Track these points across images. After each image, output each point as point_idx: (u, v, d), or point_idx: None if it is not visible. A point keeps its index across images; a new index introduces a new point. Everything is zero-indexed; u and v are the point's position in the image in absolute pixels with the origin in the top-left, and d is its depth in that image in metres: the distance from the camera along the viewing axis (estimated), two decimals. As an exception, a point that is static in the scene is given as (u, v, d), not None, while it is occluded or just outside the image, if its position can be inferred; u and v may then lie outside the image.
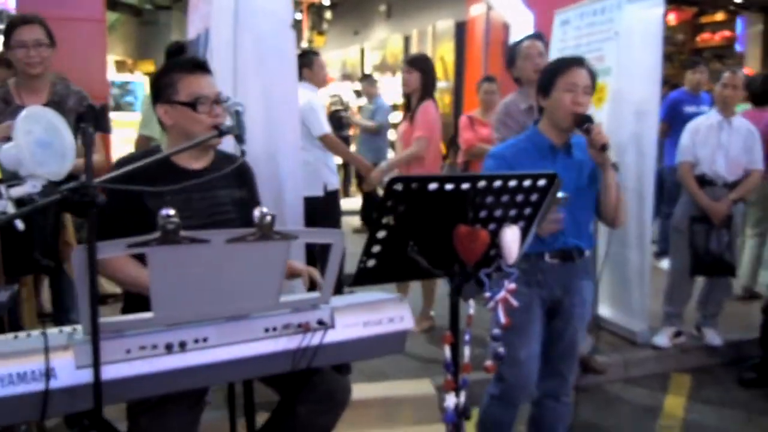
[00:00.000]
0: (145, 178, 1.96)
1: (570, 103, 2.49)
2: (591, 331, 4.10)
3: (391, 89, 11.41)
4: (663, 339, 4.30)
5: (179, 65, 2.17)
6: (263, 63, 3.42)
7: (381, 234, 1.71)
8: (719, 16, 12.29)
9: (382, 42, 14.14)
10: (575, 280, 2.66)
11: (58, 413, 1.54)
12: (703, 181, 4.25)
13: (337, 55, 15.75)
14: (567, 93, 2.50)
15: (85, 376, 1.50)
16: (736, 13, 11.74)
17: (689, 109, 5.93)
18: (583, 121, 2.46)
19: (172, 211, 1.46)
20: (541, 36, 3.72)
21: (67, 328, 1.61)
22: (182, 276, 1.53)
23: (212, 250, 1.52)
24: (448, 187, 1.70)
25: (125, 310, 2.17)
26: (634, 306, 4.36)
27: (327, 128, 4.26)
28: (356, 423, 2.75)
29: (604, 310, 4.56)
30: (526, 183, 1.81)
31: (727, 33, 12.24)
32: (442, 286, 5.20)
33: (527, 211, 1.89)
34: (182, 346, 1.60)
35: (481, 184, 1.74)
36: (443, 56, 11.53)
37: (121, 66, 13.48)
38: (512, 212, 1.86)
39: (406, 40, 13.00)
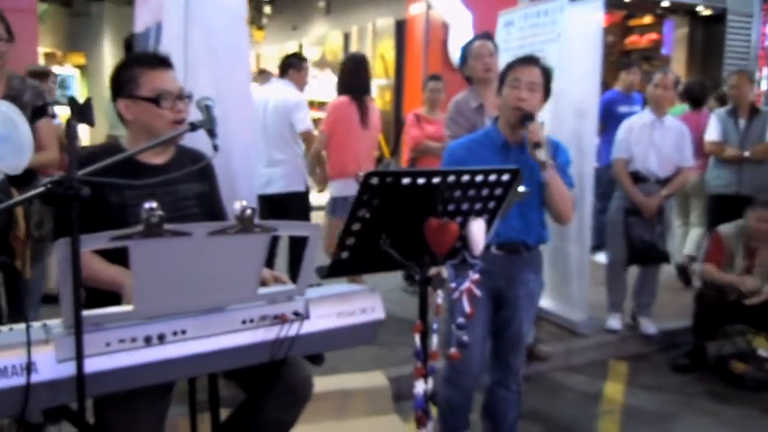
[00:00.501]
0: (108, 173, 1.96)
1: (512, 98, 2.60)
2: (534, 322, 4.28)
3: (332, 85, 11.43)
4: (615, 322, 4.54)
5: (141, 60, 2.17)
6: (215, 58, 3.40)
7: (355, 226, 1.77)
8: (647, 20, 12.82)
9: (321, 38, 14.12)
10: (521, 273, 2.78)
11: (39, 407, 1.53)
12: (637, 178, 4.47)
13: (275, 50, 15.61)
14: (511, 89, 2.62)
15: (66, 369, 1.50)
16: (663, 16, 12.26)
17: (622, 108, 6.20)
18: (524, 119, 2.57)
19: (155, 204, 1.48)
20: (490, 36, 3.84)
21: (49, 322, 1.60)
22: (164, 269, 1.54)
23: (194, 243, 1.54)
24: (420, 181, 1.77)
25: (86, 307, 2.15)
26: (574, 297, 4.55)
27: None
28: (311, 416, 2.78)
29: (546, 302, 4.72)
30: (492, 178, 1.90)
31: (654, 36, 12.78)
32: (391, 281, 5.28)
33: (491, 204, 1.98)
34: (161, 338, 1.62)
35: (451, 178, 1.81)
36: (383, 54, 11.62)
37: (50, 58, 13.01)
38: (477, 206, 1.95)
39: (346, 37, 13.02)
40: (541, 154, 2.55)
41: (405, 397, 3.64)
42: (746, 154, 4.87)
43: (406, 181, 1.74)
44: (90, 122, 1.50)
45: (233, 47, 3.43)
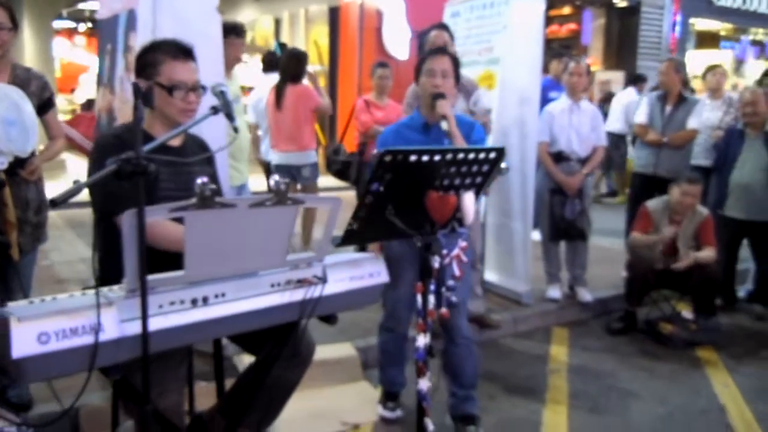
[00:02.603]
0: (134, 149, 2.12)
1: (430, 85, 2.96)
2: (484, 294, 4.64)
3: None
4: (555, 292, 4.96)
5: (166, 47, 2.28)
6: (188, 48, 3.52)
7: (368, 199, 2.00)
8: (566, 10, 13.47)
9: (251, 23, 14.06)
10: (451, 244, 3.07)
11: (104, 364, 1.69)
12: (560, 158, 4.88)
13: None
14: (428, 77, 2.98)
15: (128, 329, 1.67)
16: (582, 7, 12.92)
17: (554, 95, 6.60)
18: (436, 96, 2.94)
19: (206, 179, 1.67)
20: (446, 26, 4.10)
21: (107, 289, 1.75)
22: (211, 237, 1.73)
23: (237, 214, 1.74)
24: (425, 158, 2.02)
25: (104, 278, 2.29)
26: (518, 271, 4.92)
27: None
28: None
29: (493, 276, 5.09)
30: (482, 155, 2.17)
31: (573, 26, 13.43)
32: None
33: (479, 179, 2.26)
34: (205, 300, 1.81)
35: (448, 156, 2.07)
36: (317, 40, 11.76)
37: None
38: (468, 180, 2.22)
39: (277, 23, 13.05)
40: (445, 125, 2.87)
41: (372, 366, 3.90)
42: (665, 139, 5.32)
43: (413, 158, 1.98)
44: (151, 105, 1.66)
45: (206, 36, 3.55)
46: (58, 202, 1.46)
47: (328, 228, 2.00)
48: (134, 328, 1.67)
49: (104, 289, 1.72)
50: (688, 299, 4.72)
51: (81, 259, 5.79)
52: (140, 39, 3.44)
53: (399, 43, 10.26)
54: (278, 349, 2.29)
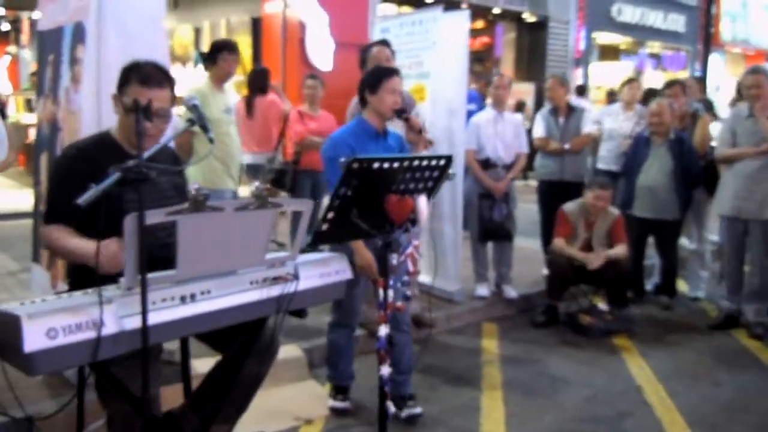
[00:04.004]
0: (104, 162, 2.25)
1: (392, 103, 3.25)
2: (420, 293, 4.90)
3: (180, 80, 11.43)
4: (483, 290, 5.29)
5: (138, 71, 2.38)
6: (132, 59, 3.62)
7: (336, 203, 2.22)
8: (480, 24, 14.05)
9: (169, 32, 13.92)
10: (405, 243, 3.34)
11: (104, 357, 1.82)
12: (487, 164, 5.24)
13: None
14: (390, 94, 3.25)
15: (126, 323, 1.82)
16: (494, 22, 13.53)
17: (470, 107, 7.01)
18: (401, 113, 3.27)
19: (195, 185, 1.84)
20: (388, 42, 4.34)
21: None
22: (201, 238, 1.90)
23: (224, 217, 1.92)
24: (386, 165, 2.25)
25: (73, 286, 2.39)
26: (450, 271, 5.22)
27: None
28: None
29: (426, 277, 5.36)
30: (433, 162, 2.42)
31: (486, 39, 14.03)
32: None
33: (430, 184, 2.51)
34: (192, 297, 1.97)
35: (406, 163, 2.32)
36: (208, 51, 11.79)
37: None
38: (420, 185, 2.47)
39: (197, 32, 12.99)
40: (428, 136, 3.27)
41: (318, 365, 4.10)
42: (566, 146, 5.71)
43: (376, 165, 2.21)
44: (150, 119, 1.82)
45: (151, 48, 3.64)
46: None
47: (301, 228, 2.19)
48: (132, 323, 1.82)
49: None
50: (603, 292, 5.15)
51: (8, 272, 5.67)
52: (89, 52, 3.52)
53: (323, 55, 10.47)
54: (250, 345, 2.46)
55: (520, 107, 10.61)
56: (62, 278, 3.74)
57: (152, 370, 2.25)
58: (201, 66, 11.45)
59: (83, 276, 2.20)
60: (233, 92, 5.26)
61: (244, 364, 2.49)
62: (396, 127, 3.50)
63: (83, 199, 1.60)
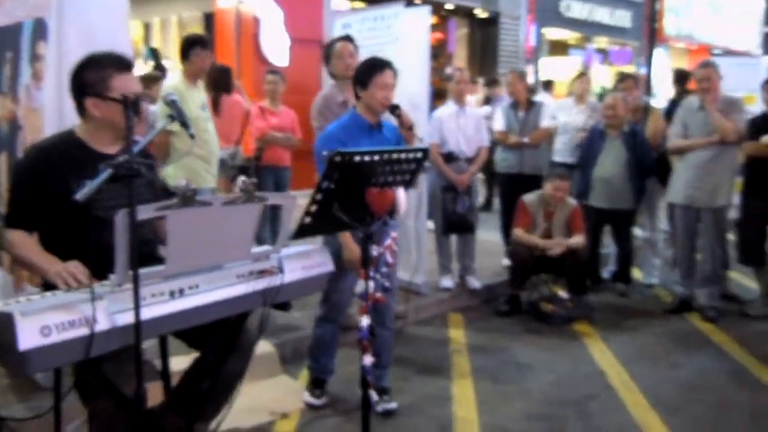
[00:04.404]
0: (70, 162, 2.25)
1: (382, 98, 3.27)
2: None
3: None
4: (448, 282, 5.37)
5: (111, 61, 2.37)
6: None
7: (319, 197, 2.25)
8: (433, 20, 14.15)
9: (117, 28, 13.61)
10: (383, 234, 3.40)
11: (97, 353, 1.82)
12: (450, 158, 5.34)
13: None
14: (381, 90, 3.26)
15: (118, 320, 1.82)
16: (447, 17, 13.66)
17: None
18: (394, 109, 3.28)
19: (184, 181, 1.85)
20: (351, 38, 4.37)
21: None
22: (190, 233, 1.91)
23: (212, 212, 1.93)
24: (366, 158, 2.30)
25: (45, 287, 2.37)
26: (415, 264, 5.29)
27: None
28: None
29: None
30: (411, 155, 2.48)
31: (439, 35, 14.15)
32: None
33: (407, 177, 2.56)
34: (181, 292, 1.98)
35: (385, 156, 2.37)
36: (180, 47, 11.63)
37: None
38: (398, 178, 2.52)
39: (147, 28, 12.75)
40: (419, 131, 3.29)
41: (289, 361, 4.14)
42: (525, 140, 5.86)
43: (357, 158, 2.26)
44: (139, 115, 1.82)
45: (114, 46, 3.57)
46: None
47: (285, 222, 2.22)
48: (123, 319, 1.83)
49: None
50: (563, 281, 5.30)
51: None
52: (50, 48, 3.46)
53: (278, 51, 10.41)
54: (232, 342, 2.47)
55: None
56: (27, 280, 3.68)
57: (133, 366, 2.26)
58: (151, 62, 11.30)
59: None
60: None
61: (226, 361, 2.50)
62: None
63: (81, 195, 1.60)
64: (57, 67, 3.50)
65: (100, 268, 2.08)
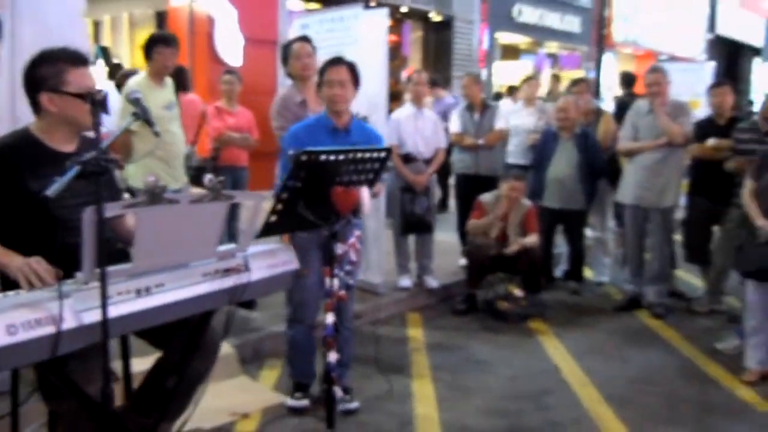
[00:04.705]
0: (26, 161, 2.22)
1: (329, 95, 3.26)
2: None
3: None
4: (406, 281, 5.43)
5: (66, 56, 2.34)
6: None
7: (285, 195, 2.27)
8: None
9: (65, 25, 13.29)
10: (348, 233, 3.43)
11: (64, 352, 1.80)
12: (408, 159, 5.40)
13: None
14: (327, 88, 3.28)
15: (84, 318, 1.81)
16: (402, 20, 13.75)
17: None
18: None
19: (153, 178, 1.85)
20: (308, 38, 4.38)
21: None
22: (157, 231, 1.91)
23: (180, 210, 1.93)
24: (332, 158, 2.33)
25: (4, 286, 2.33)
26: (373, 264, 5.34)
27: None
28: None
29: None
30: (375, 155, 2.52)
31: (394, 37, 14.23)
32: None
33: (371, 176, 2.60)
34: (147, 290, 1.97)
35: (350, 155, 2.40)
36: (143, 45, 11.43)
37: None
38: (362, 177, 2.56)
39: (97, 26, 12.48)
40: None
41: (249, 361, 4.13)
42: (480, 141, 5.96)
43: (323, 157, 2.28)
44: (107, 113, 1.80)
45: (70, 43, 3.51)
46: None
47: (252, 221, 2.23)
48: (90, 317, 1.81)
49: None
50: (518, 280, 5.41)
51: None
52: (4, 46, 3.39)
53: (232, 50, 10.32)
54: (196, 342, 2.46)
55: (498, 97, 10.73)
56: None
57: (95, 366, 2.23)
58: (101, 61, 11.07)
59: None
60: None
61: (191, 360, 2.49)
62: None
63: (51, 191, 1.58)
64: (10, 65, 3.43)
65: (62, 267, 2.07)
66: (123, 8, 11.73)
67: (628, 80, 8.22)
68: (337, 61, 3.31)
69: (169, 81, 4.65)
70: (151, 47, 4.43)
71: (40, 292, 1.82)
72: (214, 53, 10.26)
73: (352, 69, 3.31)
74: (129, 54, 12.02)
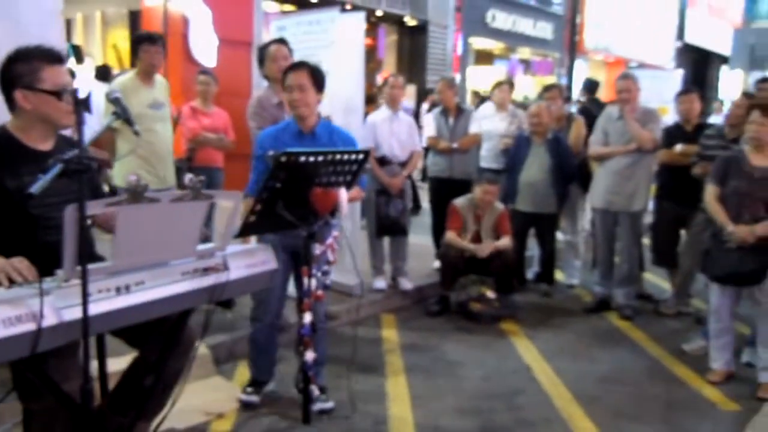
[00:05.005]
0: (3, 159, 2.23)
1: (289, 101, 3.28)
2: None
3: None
4: (380, 283, 5.48)
5: (41, 54, 2.35)
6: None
7: (264, 195, 2.30)
8: (363, 26, 14.30)
9: (36, 23, 13.13)
10: (326, 234, 3.46)
11: (44, 348, 1.81)
12: (383, 162, 5.45)
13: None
14: (287, 93, 3.29)
15: (65, 315, 1.82)
16: (377, 24, 13.83)
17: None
18: None
19: (134, 177, 1.87)
20: (285, 41, 4.41)
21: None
22: (138, 229, 1.93)
23: (161, 208, 1.95)
24: (311, 159, 2.37)
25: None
26: (348, 266, 5.36)
27: None
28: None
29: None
30: (353, 156, 2.56)
31: (369, 41, 14.30)
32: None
33: (348, 177, 2.64)
34: (127, 288, 1.99)
35: (329, 157, 2.44)
36: (116, 44, 11.36)
37: None
38: (341, 178, 2.60)
39: (69, 23, 12.34)
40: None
41: (223, 361, 4.14)
42: (455, 145, 6.02)
43: (302, 159, 2.32)
44: (89, 110, 1.82)
45: (46, 41, 3.49)
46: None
47: (231, 221, 2.26)
48: (70, 314, 1.83)
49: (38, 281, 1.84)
50: (491, 282, 5.50)
51: None
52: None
53: (206, 50, 10.27)
54: (173, 342, 2.48)
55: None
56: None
57: (72, 364, 2.25)
58: (73, 60, 10.95)
59: None
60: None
61: (168, 359, 2.50)
62: None
63: (36, 188, 1.60)
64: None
65: (40, 265, 2.07)
66: (96, 7, 11.64)
67: (590, 87, 8.37)
68: (297, 66, 3.31)
69: (160, 80, 4.66)
70: (137, 46, 4.46)
71: (20, 288, 1.83)
72: (188, 53, 10.20)
73: (314, 73, 3.28)
74: (101, 53, 11.93)
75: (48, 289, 1.81)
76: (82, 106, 1.82)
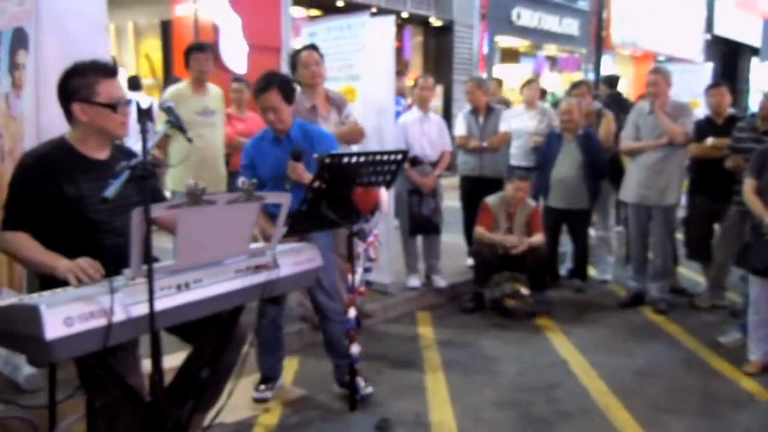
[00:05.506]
0: (63, 167, 2.37)
1: (266, 120, 3.36)
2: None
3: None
4: (414, 281, 5.57)
5: (95, 68, 2.49)
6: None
7: (310, 196, 2.41)
8: (389, 28, 14.38)
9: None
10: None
11: (114, 342, 1.94)
12: (415, 162, 5.54)
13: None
14: (263, 113, 3.36)
15: (132, 311, 1.95)
16: (402, 26, 13.91)
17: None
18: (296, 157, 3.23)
19: (192, 181, 1.99)
20: (316, 47, 4.52)
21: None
22: (197, 230, 2.05)
23: (217, 210, 2.08)
24: (353, 160, 2.47)
25: (43, 287, 2.46)
26: (384, 265, 5.47)
27: None
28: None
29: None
30: (393, 157, 2.66)
31: (396, 43, 14.38)
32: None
33: (388, 177, 2.75)
34: (187, 285, 2.12)
35: (370, 158, 2.54)
36: (148, 53, 11.60)
37: None
38: (380, 178, 2.70)
39: (102, 35, 12.63)
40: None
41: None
42: (485, 144, 6.09)
43: (345, 160, 2.43)
44: (152, 120, 1.95)
45: (93, 53, 3.64)
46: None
47: (280, 220, 2.37)
48: (138, 310, 1.96)
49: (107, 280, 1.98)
50: (524, 278, 5.55)
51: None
52: (29, 56, 3.54)
53: (236, 57, 10.47)
54: (227, 336, 2.60)
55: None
56: (6, 285, 3.72)
57: (132, 359, 2.39)
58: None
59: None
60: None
61: (222, 353, 2.63)
62: None
63: (109, 192, 1.73)
64: (34, 75, 3.58)
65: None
66: (128, 17, 11.88)
67: (611, 82, 8.38)
68: (266, 87, 3.32)
69: (214, 89, 4.86)
70: (188, 56, 4.70)
71: (90, 287, 1.96)
72: (219, 61, 10.43)
73: (282, 88, 3.32)
74: (134, 62, 12.19)
75: (117, 287, 1.94)
76: (145, 116, 1.94)
